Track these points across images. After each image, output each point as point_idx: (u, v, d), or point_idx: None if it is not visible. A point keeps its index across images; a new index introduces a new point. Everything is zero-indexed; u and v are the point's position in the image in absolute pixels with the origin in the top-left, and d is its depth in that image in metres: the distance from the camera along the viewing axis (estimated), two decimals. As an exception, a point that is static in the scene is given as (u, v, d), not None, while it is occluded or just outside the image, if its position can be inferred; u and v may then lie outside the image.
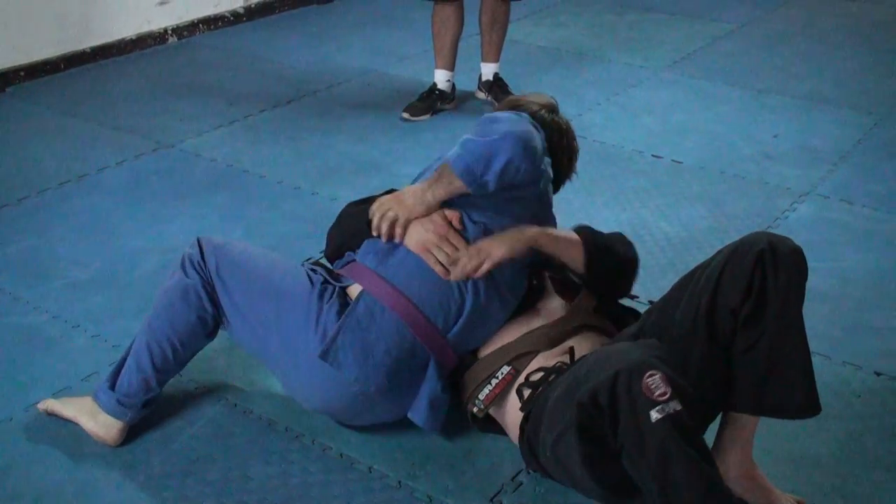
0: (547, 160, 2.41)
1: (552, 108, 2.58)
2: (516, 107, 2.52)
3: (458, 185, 2.25)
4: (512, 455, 2.35)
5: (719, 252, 2.06)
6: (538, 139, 2.30)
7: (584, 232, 2.39)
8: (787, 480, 2.29)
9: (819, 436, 2.44)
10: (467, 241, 2.28)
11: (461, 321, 2.28)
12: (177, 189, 3.73)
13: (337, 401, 2.31)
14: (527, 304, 2.44)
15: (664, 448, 1.79)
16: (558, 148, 2.52)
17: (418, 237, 2.28)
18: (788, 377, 2.03)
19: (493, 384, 2.28)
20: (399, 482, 2.28)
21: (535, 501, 2.23)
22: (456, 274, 2.25)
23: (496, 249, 2.25)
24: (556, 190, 2.60)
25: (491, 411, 2.34)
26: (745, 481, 2.13)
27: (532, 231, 2.31)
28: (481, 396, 2.30)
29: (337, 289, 2.30)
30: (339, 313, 2.25)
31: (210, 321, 2.36)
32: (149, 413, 2.42)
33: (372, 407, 2.32)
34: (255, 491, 2.24)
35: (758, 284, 1.97)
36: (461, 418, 2.43)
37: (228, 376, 2.62)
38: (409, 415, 2.33)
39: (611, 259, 2.37)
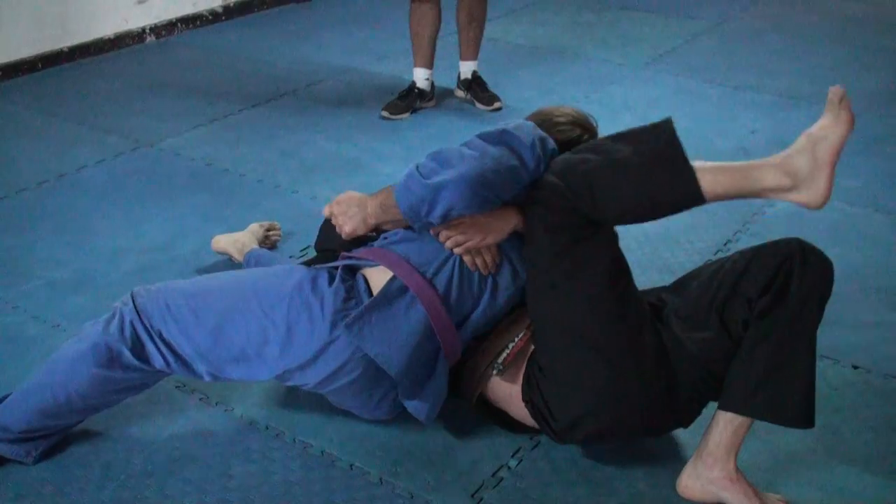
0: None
1: (580, 124, 2.46)
2: (541, 122, 2.39)
3: (401, 219, 2.21)
4: (493, 451, 2.36)
5: (745, 250, 2.14)
6: (505, 162, 2.12)
7: None
8: (765, 473, 2.31)
9: (797, 429, 2.46)
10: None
11: (473, 317, 2.28)
12: (156, 189, 3.72)
13: (340, 377, 2.24)
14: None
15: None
16: None
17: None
18: (789, 382, 2.05)
19: (510, 347, 2.28)
20: (380, 479, 2.29)
21: (516, 496, 2.24)
22: (456, 247, 2.22)
23: (490, 234, 2.22)
24: None
25: (494, 391, 2.34)
26: (728, 483, 2.14)
27: (517, 218, 2.24)
28: (500, 360, 2.29)
29: (338, 272, 2.26)
30: (346, 298, 2.21)
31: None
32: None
33: (372, 391, 2.28)
34: (236, 489, 2.24)
35: (780, 283, 2.03)
36: (441, 414, 2.44)
37: (209, 375, 2.63)
38: (410, 408, 2.29)
39: None
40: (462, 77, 4.64)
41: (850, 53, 5.44)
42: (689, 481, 2.19)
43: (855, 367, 2.72)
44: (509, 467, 2.32)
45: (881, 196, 3.73)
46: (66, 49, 5.05)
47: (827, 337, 2.83)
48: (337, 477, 2.29)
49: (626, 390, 2.15)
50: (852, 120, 2.03)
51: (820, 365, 2.71)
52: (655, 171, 2.05)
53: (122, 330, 2.21)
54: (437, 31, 4.47)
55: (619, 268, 2.18)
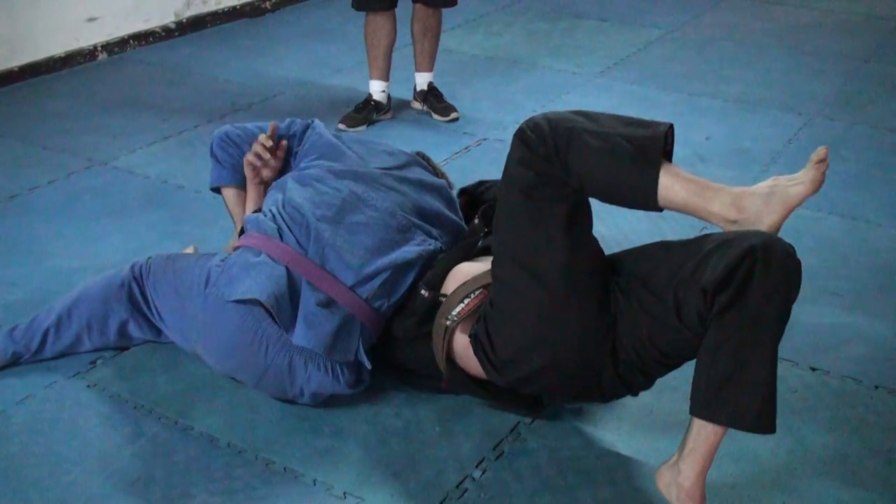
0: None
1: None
2: None
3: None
4: (457, 462, 2.36)
5: (717, 235, 2.08)
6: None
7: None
8: (726, 476, 2.33)
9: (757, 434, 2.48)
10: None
11: (328, 237, 2.49)
12: (111, 207, 3.68)
13: (233, 339, 2.46)
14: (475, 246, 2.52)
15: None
16: None
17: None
18: (749, 386, 1.99)
19: (466, 302, 2.32)
20: (344, 493, 2.27)
21: (481, 507, 2.24)
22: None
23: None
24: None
25: (456, 350, 2.37)
26: (686, 499, 2.10)
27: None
28: (454, 312, 2.33)
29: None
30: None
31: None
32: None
33: (264, 339, 2.43)
34: (198, 509, 2.22)
35: (741, 280, 1.95)
36: (404, 426, 2.43)
37: (168, 393, 2.60)
38: (293, 339, 2.42)
39: None
40: (418, 88, 4.64)
41: (801, 59, 5.52)
42: (665, 469, 2.15)
43: (813, 370, 2.75)
44: (473, 478, 2.32)
45: (835, 199, 3.78)
46: (15, 68, 4.99)
47: (785, 340, 2.83)
48: (300, 493, 2.27)
49: (564, 325, 2.16)
50: (819, 182, 2.08)
51: (779, 367, 2.73)
52: (625, 157, 2.08)
53: (132, 272, 2.73)
54: (392, 43, 4.47)
55: (582, 215, 2.21)
